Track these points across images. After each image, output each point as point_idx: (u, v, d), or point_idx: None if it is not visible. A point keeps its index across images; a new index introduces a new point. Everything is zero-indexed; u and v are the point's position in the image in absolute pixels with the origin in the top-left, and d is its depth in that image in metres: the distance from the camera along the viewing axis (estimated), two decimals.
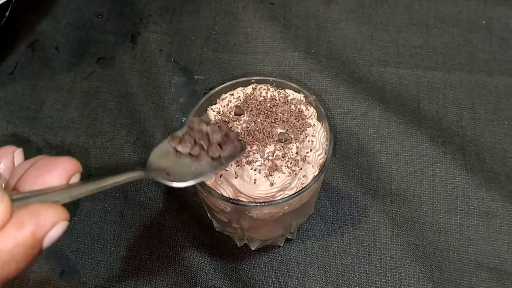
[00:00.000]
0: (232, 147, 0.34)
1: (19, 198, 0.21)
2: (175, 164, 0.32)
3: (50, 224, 0.20)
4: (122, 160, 0.53)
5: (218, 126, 0.35)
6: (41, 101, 0.57)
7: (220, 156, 0.33)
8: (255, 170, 0.36)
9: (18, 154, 0.26)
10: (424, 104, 0.54)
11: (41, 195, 0.22)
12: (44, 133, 0.55)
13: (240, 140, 0.36)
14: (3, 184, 0.24)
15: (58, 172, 0.23)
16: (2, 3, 0.55)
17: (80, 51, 0.62)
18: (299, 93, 0.42)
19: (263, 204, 0.36)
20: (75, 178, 0.24)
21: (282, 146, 0.37)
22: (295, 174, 0.37)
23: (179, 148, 0.33)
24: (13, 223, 0.19)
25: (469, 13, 0.60)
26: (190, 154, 0.33)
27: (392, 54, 0.58)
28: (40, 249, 0.20)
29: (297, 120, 0.39)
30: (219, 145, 0.33)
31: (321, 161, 0.39)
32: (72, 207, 0.50)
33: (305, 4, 0.63)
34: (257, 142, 0.37)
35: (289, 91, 0.42)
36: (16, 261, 0.19)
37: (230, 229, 0.44)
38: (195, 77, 0.59)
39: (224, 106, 0.41)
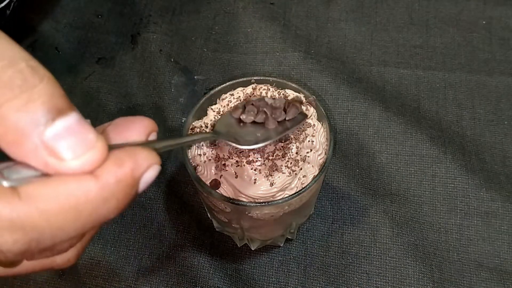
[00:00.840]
0: (295, 109, 0.34)
1: (110, 146, 0.20)
2: (240, 133, 0.32)
3: (146, 164, 0.20)
4: None
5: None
6: None
7: (285, 119, 0.34)
8: (255, 170, 0.36)
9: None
10: (424, 104, 0.54)
11: (128, 146, 0.22)
12: None
13: (301, 104, 0.37)
14: None
15: (138, 129, 0.23)
16: (3, 6, 0.55)
17: (80, 51, 0.62)
18: (299, 93, 0.42)
19: (263, 204, 0.36)
20: (153, 136, 0.24)
21: (282, 146, 0.37)
22: (295, 174, 0.37)
23: (243, 117, 0.33)
24: (113, 161, 0.19)
25: (469, 13, 0.60)
26: (254, 122, 0.33)
27: (392, 54, 0.58)
28: (137, 191, 0.20)
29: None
30: (284, 110, 0.34)
31: (321, 161, 0.39)
32: None
33: (305, 4, 0.63)
34: None
35: (289, 91, 0.42)
36: (116, 198, 0.19)
37: (230, 229, 0.44)
38: (195, 77, 0.59)
39: (224, 106, 0.41)
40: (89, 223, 0.19)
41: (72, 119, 0.19)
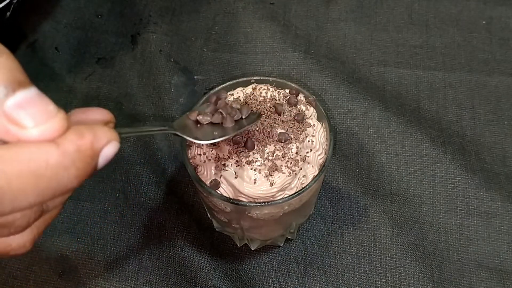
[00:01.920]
0: (248, 109, 0.36)
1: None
2: (198, 132, 0.33)
3: (106, 139, 0.21)
4: (122, 160, 0.53)
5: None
6: None
7: (242, 118, 0.35)
8: (255, 170, 0.36)
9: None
10: (424, 104, 0.54)
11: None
12: None
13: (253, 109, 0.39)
14: None
15: (95, 117, 0.24)
16: (3, 6, 0.55)
17: (80, 51, 0.62)
18: (299, 93, 0.42)
19: (263, 204, 0.36)
20: (111, 126, 0.25)
21: (282, 146, 0.37)
22: (295, 174, 0.37)
23: (200, 118, 0.34)
24: (73, 131, 0.20)
25: (469, 13, 0.60)
26: (211, 123, 0.34)
27: (392, 54, 0.58)
28: (96, 165, 0.21)
29: (297, 120, 0.39)
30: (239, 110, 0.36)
31: (321, 161, 0.39)
32: (73, 207, 0.50)
33: (305, 4, 0.63)
34: (257, 142, 0.37)
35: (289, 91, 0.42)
36: (76, 167, 0.20)
37: (230, 229, 0.44)
38: (195, 77, 0.59)
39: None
40: (49, 190, 0.19)
41: (32, 92, 0.19)
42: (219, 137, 0.33)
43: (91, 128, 0.21)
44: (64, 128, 0.20)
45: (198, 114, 0.34)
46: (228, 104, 0.38)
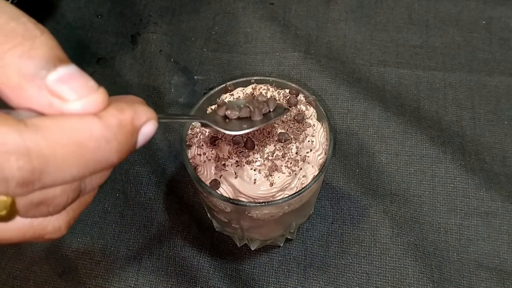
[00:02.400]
0: (274, 102, 0.36)
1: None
2: (227, 126, 0.33)
3: (145, 117, 0.21)
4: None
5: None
6: None
7: (269, 111, 0.35)
8: (255, 170, 0.36)
9: None
10: (424, 104, 0.54)
11: None
12: None
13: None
14: None
15: (132, 101, 0.24)
16: None
17: (80, 51, 0.62)
18: (299, 93, 0.42)
19: (263, 204, 0.36)
20: None
21: (282, 146, 0.37)
22: (295, 174, 0.37)
23: (228, 112, 0.34)
24: (114, 107, 0.20)
25: (469, 13, 0.60)
26: (239, 118, 0.34)
27: (392, 54, 0.58)
28: (136, 141, 0.21)
29: (297, 120, 0.39)
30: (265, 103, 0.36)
31: (321, 161, 0.39)
32: None
33: (305, 4, 0.63)
34: (257, 142, 0.37)
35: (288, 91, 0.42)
36: (118, 141, 0.20)
37: (230, 229, 0.44)
38: (195, 77, 0.59)
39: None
40: (92, 162, 0.19)
41: (73, 68, 0.19)
42: (248, 128, 0.33)
43: (131, 105, 0.21)
44: (105, 103, 0.20)
45: (227, 109, 0.34)
46: (255, 98, 0.38)
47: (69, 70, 0.19)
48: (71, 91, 0.19)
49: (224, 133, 0.32)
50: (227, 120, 0.34)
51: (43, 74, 0.18)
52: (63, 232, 0.24)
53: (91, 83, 0.20)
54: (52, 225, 0.23)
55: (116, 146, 0.20)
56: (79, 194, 0.23)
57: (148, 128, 0.21)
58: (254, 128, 0.33)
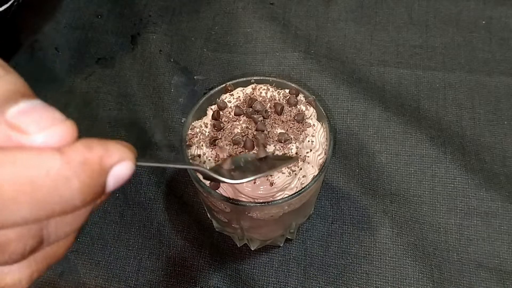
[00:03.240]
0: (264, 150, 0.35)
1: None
2: (231, 175, 0.31)
3: (118, 156, 0.19)
4: None
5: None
6: None
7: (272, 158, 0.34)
8: None
9: None
10: (424, 104, 0.54)
11: None
12: None
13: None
14: None
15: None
16: (4, 9, 0.55)
17: (80, 52, 0.62)
18: (299, 93, 0.42)
19: (263, 204, 0.36)
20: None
21: (282, 146, 0.37)
22: (295, 174, 0.37)
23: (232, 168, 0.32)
24: (82, 143, 0.18)
25: (469, 13, 0.60)
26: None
27: (392, 54, 0.58)
28: (105, 183, 0.19)
29: (297, 120, 0.39)
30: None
31: (321, 161, 0.39)
32: None
33: (305, 4, 0.63)
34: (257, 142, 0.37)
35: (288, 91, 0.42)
36: (80, 181, 0.17)
37: (230, 229, 0.44)
38: (195, 77, 0.59)
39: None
40: (47, 203, 0.17)
41: (37, 102, 0.18)
42: (253, 175, 0.31)
43: (103, 142, 0.18)
44: (72, 137, 0.18)
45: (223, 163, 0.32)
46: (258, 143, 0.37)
47: (32, 104, 0.18)
48: (32, 123, 0.17)
49: (229, 183, 0.30)
50: (232, 172, 0.32)
51: (2, 109, 0.17)
52: (24, 286, 0.21)
53: (56, 114, 0.18)
54: (12, 276, 0.20)
55: (77, 186, 0.17)
56: (41, 242, 0.20)
57: (120, 170, 0.19)
58: (260, 175, 0.31)
